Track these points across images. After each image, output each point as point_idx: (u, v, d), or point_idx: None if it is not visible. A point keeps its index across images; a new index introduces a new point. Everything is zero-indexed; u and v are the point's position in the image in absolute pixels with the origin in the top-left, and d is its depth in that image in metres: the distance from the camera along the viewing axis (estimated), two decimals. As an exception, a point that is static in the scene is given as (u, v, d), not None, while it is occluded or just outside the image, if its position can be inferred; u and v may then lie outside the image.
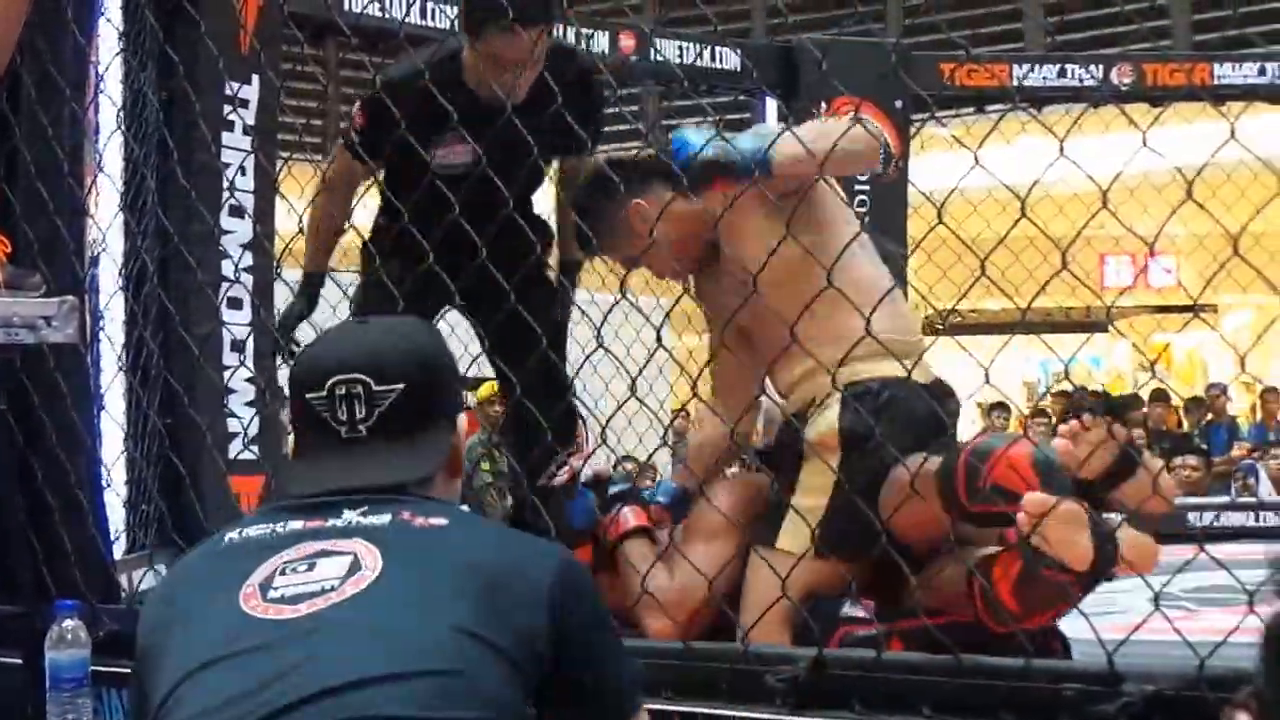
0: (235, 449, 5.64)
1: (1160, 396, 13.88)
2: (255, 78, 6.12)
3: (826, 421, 3.90)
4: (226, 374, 5.74)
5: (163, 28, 5.62)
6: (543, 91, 4.15)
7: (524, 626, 2.22)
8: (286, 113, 6.35)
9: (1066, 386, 14.80)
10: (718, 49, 8.36)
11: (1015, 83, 8.70)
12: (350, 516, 2.33)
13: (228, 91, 5.95)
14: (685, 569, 3.99)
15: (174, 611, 2.29)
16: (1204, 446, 12.44)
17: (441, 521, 2.32)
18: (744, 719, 3.31)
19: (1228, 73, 9.00)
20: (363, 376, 2.43)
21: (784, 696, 3.27)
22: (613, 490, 4.42)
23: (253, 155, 5.93)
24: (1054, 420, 14.31)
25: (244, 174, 5.98)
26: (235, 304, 5.85)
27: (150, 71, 5.81)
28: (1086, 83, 8.69)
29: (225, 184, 5.72)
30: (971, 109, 8.89)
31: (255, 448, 5.64)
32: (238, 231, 5.84)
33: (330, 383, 2.44)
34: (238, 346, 5.82)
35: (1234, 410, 14.67)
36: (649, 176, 4.20)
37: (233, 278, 5.43)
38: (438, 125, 4.09)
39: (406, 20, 6.83)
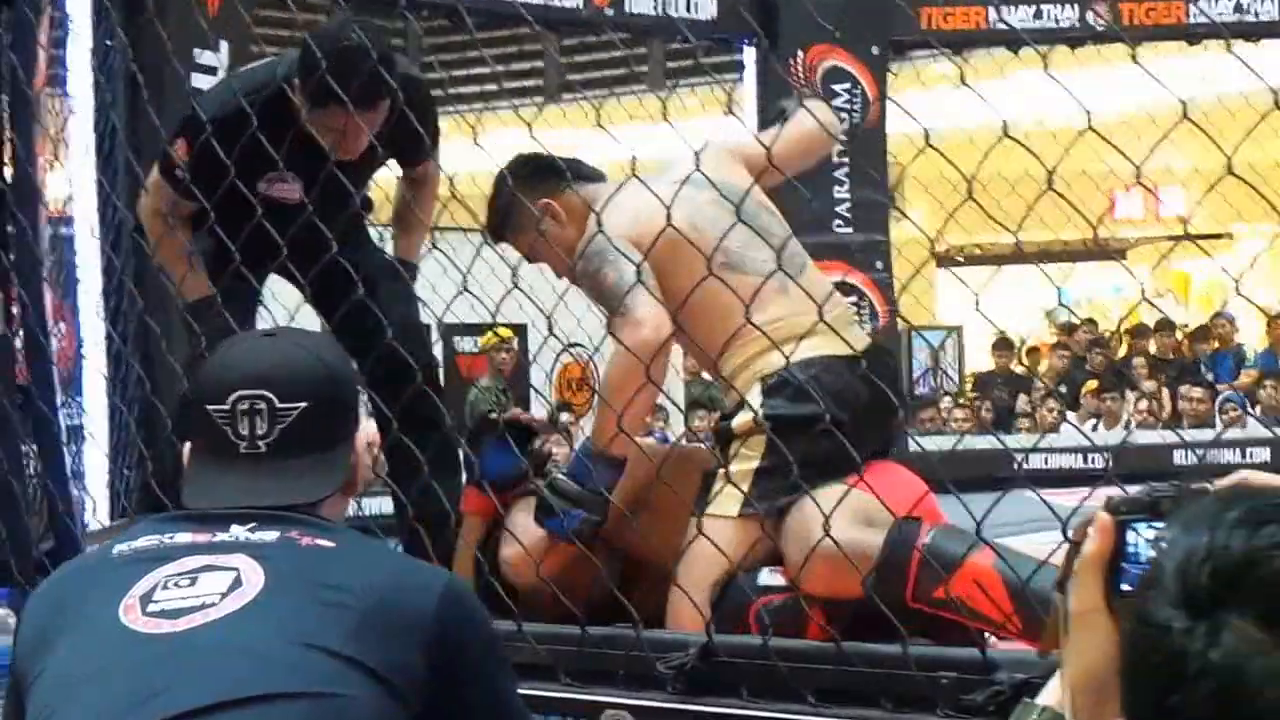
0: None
1: (1166, 325, 13.79)
2: (224, 44, 6.16)
3: (748, 414, 3.94)
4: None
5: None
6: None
7: (405, 653, 2.22)
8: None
9: (1067, 317, 14.76)
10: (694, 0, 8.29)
11: (992, 26, 8.64)
12: (238, 532, 2.30)
13: (197, 59, 5.98)
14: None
15: (56, 620, 2.28)
16: (1210, 375, 12.34)
17: (329, 543, 2.31)
18: (638, 707, 3.36)
19: (1205, 8, 8.85)
20: (266, 393, 2.39)
21: (674, 684, 3.32)
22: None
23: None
24: (1073, 354, 14.16)
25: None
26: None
27: (119, 39, 5.82)
28: (1063, 23, 8.61)
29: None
30: (950, 51, 8.82)
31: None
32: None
33: (233, 397, 2.39)
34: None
35: (1247, 338, 14.47)
36: (563, 175, 4.20)
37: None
38: (266, 161, 4.06)
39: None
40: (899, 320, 8.92)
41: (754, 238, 3.89)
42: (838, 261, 8.20)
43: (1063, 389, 12.88)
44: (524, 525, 4.08)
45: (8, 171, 4.60)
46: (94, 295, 5.43)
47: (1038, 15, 8.70)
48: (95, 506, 5.21)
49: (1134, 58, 3.13)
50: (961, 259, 15.40)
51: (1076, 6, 8.74)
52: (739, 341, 3.89)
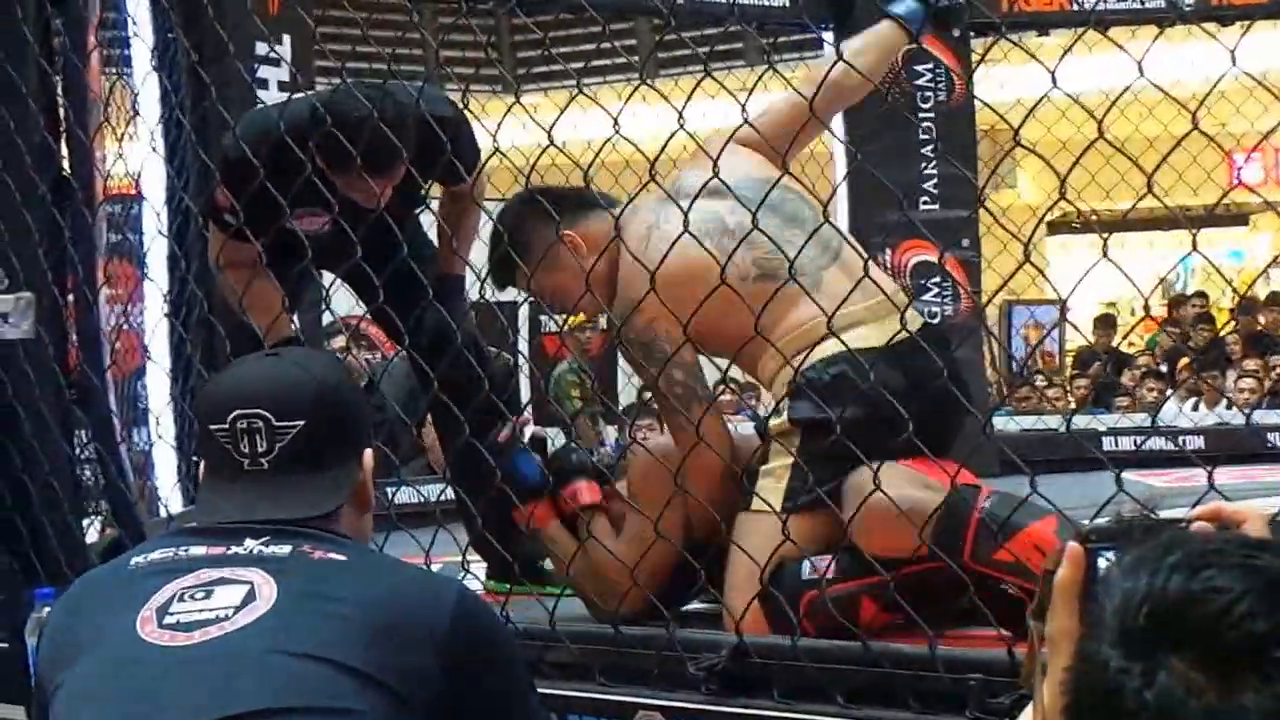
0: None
1: (1276, 300, 13.58)
2: (287, 37, 6.18)
3: (781, 415, 3.96)
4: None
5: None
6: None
7: (417, 665, 2.26)
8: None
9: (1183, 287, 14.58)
10: (767, -17, 8.20)
11: (1075, 6, 8.57)
12: (252, 545, 2.36)
13: (259, 52, 6.02)
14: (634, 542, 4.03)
15: (76, 632, 2.35)
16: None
17: (340, 556, 2.36)
18: (671, 707, 3.37)
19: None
20: (263, 411, 2.45)
21: (707, 684, 3.33)
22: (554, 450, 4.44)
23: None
24: (1182, 329, 13.90)
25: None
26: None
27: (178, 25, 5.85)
28: (1149, 4, 8.52)
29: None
30: (1034, 32, 8.76)
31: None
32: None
33: (232, 416, 2.46)
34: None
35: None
36: (582, 207, 4.20)
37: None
38: (297, 197, 4.09)
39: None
40: (996, 292, 8.79)
41: (785, 229, 3.91)
42: (922, 241, 8.14)
43: (1163, 368, 12.69)
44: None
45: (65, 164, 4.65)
46: (160, 282, 5.48)
47: (1123, -3, 8.61)
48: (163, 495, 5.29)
49: None
50: (1077, 224, 15.23)
51: (1164, -14, 8.63)
52: (771, 347, 3.86)
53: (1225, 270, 18.18)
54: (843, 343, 3.78)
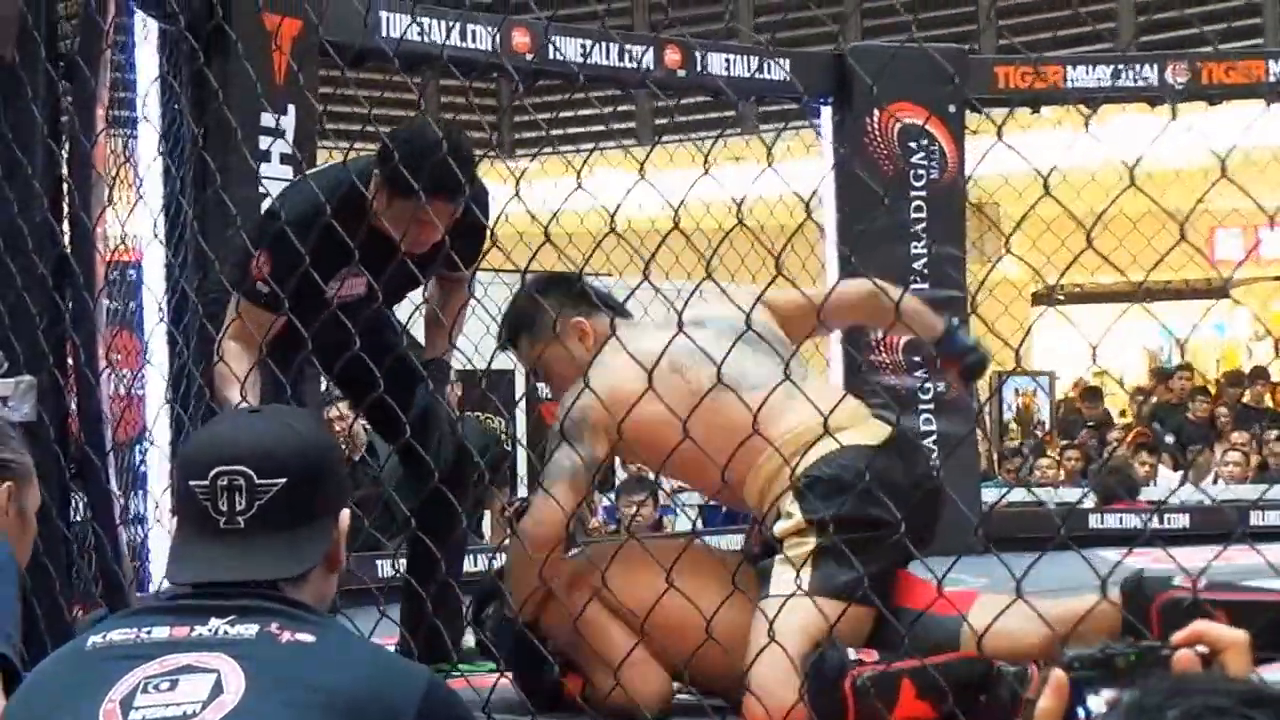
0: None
1: (1261, 374, 13.62)
2: (291, 108, 6.22)
3: (792, 517, 3.99)
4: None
5: (195, 66, 5.70)
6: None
7: None
8: (329, 136, 6.43)
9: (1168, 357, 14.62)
10: (766, 60, 8.28)
11: (1069, 85, 8.66)
12: (217, 625, 2.30)
13: (264, 123, 6.05)
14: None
15: None
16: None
17: (309, 638, 2.30)
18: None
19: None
20: (245, 469, 2.41)
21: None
22: None
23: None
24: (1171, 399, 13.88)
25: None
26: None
27: (185, 106, 5.88)
28: (1140, 83, 8.62)
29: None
30: (1026, 110, 8.85)
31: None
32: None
33: (213, 473, 2.41)
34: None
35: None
36: (594, 301, 4.34)
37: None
38: (337, 262, 4.14)
39: (447, 43, 6.86)
40: (1003, 382, 8.85)
41: (752, 357, 3.92)
42: (914, 321, 8.18)
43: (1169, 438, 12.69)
44: None
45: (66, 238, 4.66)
46: (160, 365, 5.48)
47: (1116, 75, 8.67)
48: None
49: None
50: (1061, 297, 15.33)
51: (1155, 66, 8.71)
52: (758, 460, 3.96)
53: (1208, 343, 18.31)
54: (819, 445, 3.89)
